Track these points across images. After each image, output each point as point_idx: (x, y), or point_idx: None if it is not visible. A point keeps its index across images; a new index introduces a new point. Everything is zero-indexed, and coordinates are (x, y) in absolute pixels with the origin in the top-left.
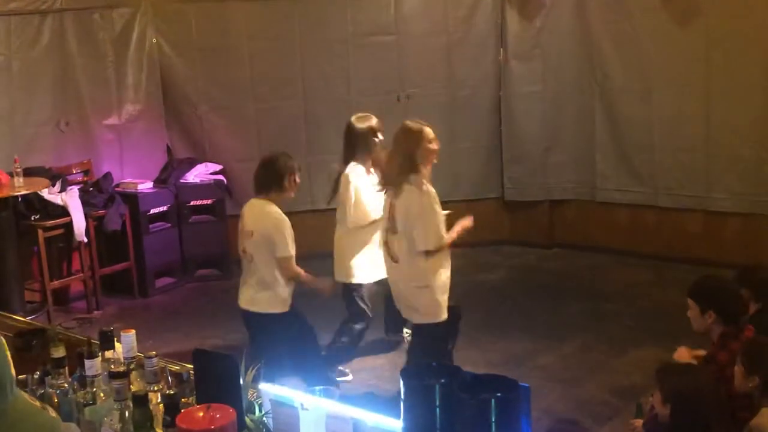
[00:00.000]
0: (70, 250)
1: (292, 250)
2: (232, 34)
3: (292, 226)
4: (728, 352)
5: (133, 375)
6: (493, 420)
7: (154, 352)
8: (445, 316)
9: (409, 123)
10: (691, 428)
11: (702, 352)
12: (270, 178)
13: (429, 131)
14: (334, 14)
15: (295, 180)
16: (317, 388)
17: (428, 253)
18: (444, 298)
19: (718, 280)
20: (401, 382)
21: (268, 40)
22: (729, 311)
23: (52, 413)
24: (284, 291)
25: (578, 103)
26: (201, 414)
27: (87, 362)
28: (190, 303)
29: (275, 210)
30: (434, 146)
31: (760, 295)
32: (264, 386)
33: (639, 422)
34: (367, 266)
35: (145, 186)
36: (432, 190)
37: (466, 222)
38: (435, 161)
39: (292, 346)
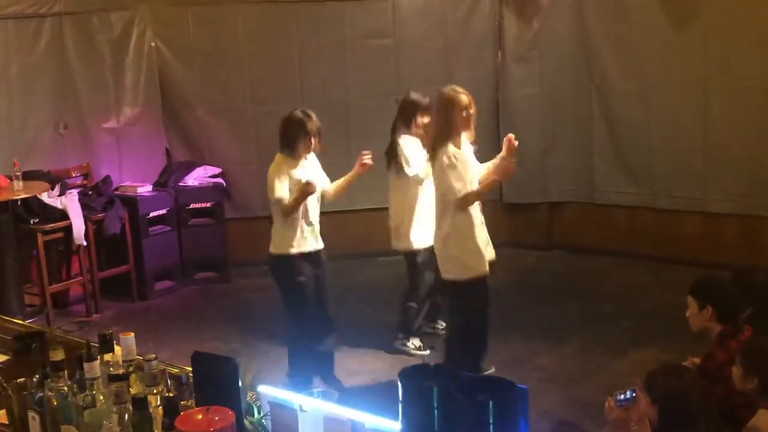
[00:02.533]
0: (69, 254)
1: (279, 193)
2: (230, 37)
3: None
4: (726, 350)
5: (133, 378)
6: (491, 422)
7: (153, 355)
8: (468, 275)
9: (444, 90)
10: (680, 429)
11: (697, 360)
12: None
13: (463, 98)
14: (332, 17)
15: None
16: (316, 390)
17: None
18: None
19: (718, 278)
20: (399, 384)
21: (266, 43)
22: (727, 308)
23: None
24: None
25: (576, 105)
26: (200, 416)
27: (86, 365)
28: (190, 306)
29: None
30: (470, 112)
31: (754, 298)
32: (263, 388)
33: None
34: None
35: (145, 189)
36: (457, 152)
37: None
38: (471, 128)
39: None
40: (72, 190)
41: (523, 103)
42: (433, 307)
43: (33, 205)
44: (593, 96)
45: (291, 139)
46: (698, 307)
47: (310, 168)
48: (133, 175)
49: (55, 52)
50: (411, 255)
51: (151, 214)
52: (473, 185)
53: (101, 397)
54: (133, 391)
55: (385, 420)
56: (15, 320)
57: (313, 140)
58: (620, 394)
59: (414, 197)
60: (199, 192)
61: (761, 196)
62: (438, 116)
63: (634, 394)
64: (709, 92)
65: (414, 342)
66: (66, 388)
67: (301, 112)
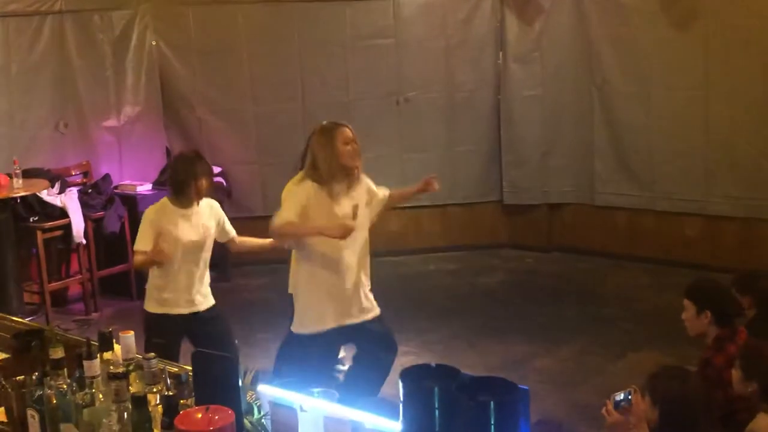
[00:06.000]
0: (68, 252)
1: (138, 246)
2: (231, 37)
3: None
4: (725, 354)
5: (132, 376)
6: (492, 422)
7: (153, 354)
8: (306, 330)
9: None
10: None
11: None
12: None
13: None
14: (333, 17)
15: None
16: (316, 390)
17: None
18: (309, 313)
19: (714, 282)
20: (400, 384)
21: (267, 42)
22: (725, 312)
23: None
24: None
25: (577, 107)
26: (200, 415)
27: (86, 363)
28: None
29: None
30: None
31: (760, 303)
32: (263, 388)
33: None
34: None
35: (144, 188)
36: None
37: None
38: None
39: None
40: (72, 189)
41: (524, 105)
42: None
43: (33, 203)
44: (594, 98)
45: (181, 181)
46: (696, 312)
47: (199, 218)
48: (133, 174)
49: (55, 50)
50: None
51: None
52: None
53: (101, 396)
54: (132, 389)
55: (386, 420)
56: (15, 318)
57: (204, 182)
58: (617, 396)
59: None
60: None
61: (761, 198)
62: None
63: (630, 396)
64: (710, 94)
65: None
66: (65, 387)
67: (193, 152)
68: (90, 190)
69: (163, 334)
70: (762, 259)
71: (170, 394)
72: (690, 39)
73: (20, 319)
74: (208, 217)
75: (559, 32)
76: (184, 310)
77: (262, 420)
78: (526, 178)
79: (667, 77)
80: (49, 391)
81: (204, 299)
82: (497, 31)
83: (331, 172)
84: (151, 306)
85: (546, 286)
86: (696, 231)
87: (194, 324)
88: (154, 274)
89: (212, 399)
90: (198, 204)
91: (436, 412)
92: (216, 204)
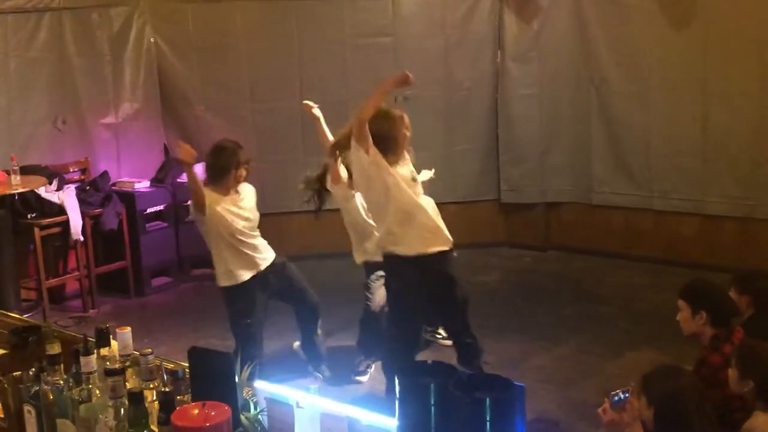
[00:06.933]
0: (66, 249)
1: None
2: (230, 34)
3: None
4: (720, 354)
5: (129, 372)
6: (488, 419)
7: (149, 350)
8: None
9: None
10: (675, 431)
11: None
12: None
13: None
14: (332, 15)
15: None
16: (312, 386)
17: None
18: None
19: (710, 282)
20: (397, 381)
21: (266, 40)
22: (721, 312)
23: None
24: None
25: (575, 106)
26: (196, 411)
27: (83, 359)
28: (186, 302)
29: None
30: None
31: (759, 302)
32: (259, 384)
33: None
34: None
35: (142, 185)
36: None
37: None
38: None
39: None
40: (70, 185)
41: (522, 104)
42: None
43: (30, 200)
44: (592, 97)
45: (222, 167)
46: (691, 312)
47: (246, 203)
48: (131, 171)
49: (54, 47)
50: None
51: (149, 210)
52: None
53: (97, 392)
54: (129, 385)
55: (383, 417)
56: (12, 314)
57: (243, 172)
58: (615, 395)
59: None
60: None
61: (759, 198)
62: None
63: (627, 395)
64: (708, 94)
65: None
66: (62, 382)
67: (232, 142)
68: (88, 187)
69: (241, 301)
70: (760, 258)
71: (167, 390)
72: (689, 38)
73: (17, 316)
74: (250, 198)
75: (558, 31)
76: (252, 272)
77: (259, 416)
78: (524, 177)
79: (665, 77)
80: (45, 387)
81: (266, 258)
82: (496, 30)
83: (391, 150)
84: (222, 281)
85: (543, 284)
86: (694, 230)
87: (268, 282)
88: (215, 257)
89: (209, 395)
90: (238, 191)
91: (433, 408)
92: (252, 188)
